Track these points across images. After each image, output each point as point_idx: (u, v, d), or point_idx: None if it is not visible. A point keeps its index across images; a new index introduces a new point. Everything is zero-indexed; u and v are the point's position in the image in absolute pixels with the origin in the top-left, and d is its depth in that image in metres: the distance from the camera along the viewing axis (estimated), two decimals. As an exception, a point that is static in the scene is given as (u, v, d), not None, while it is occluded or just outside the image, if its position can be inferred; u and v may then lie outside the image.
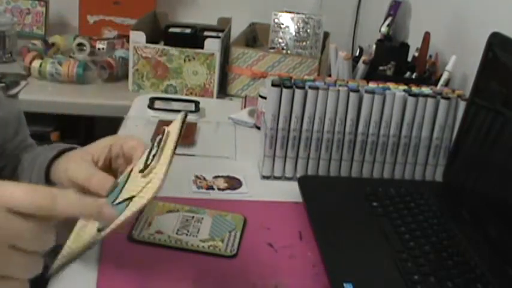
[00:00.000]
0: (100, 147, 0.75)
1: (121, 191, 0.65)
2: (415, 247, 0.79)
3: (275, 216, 0.90)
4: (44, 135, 1.64)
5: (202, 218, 0.86)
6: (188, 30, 1.60)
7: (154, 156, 0.63)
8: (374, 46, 1.28)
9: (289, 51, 1.57)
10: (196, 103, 1.34)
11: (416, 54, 1.29)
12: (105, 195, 0.67)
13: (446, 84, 1.17)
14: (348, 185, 0.99)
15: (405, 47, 1.31)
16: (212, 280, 0.73)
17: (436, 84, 1.15)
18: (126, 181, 0.67)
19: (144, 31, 1.47)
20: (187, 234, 0.81)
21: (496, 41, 0.88)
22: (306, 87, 0.98)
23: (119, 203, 0.62)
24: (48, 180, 0.77)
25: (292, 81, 1.00)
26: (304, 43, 1.58)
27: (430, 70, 1.27)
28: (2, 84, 1.49)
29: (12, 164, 0.85)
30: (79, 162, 0.73)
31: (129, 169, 0.69)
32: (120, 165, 0.75)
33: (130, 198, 0.60)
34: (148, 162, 0.63)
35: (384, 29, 1.30)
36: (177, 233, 0.81)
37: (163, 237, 0.80)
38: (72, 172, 0.71)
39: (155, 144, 0.65)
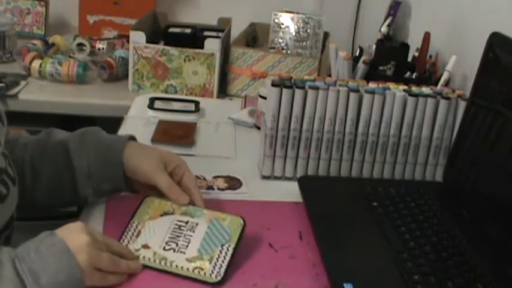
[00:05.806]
0: (171, 160, 0.89)
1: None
2: (415, 247, 0.79)
3: (275, 216, 0.90)
4: (44, 135, 1.64)
5: (197, 224, 0.80)
6: (188, 30, 1.60)
7: None
8: (374, 46, 1.28)
9: (289, 51, 1.56)
10: (196, 103, 1.34)
11: (416, 54, 1.29)
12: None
13: (446, 84, 1.17)
14: (348, 185, 0.99)
15: (405, 47, 1.31)
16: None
17: (436, 84, 1.15)
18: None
19: (144, 31, 1.47)
20: (174, 250, 0.76)
21: (496, 41, 0.88)
22: (306, 87, 0.98)
23: None
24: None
25: (292, 81, 1.00)
26: (304, 43, 1.58)
27: (430, 70, 1.27)
28: (2, 84, 1.49)
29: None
30: (156, 170, 0.85)
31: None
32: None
33: None
34: None
35: (384, 29, 1.30)
36: (164, 248, 0.77)
37: (148, 254, 0.76)
38: (152, 176, 0.85)
39: None
